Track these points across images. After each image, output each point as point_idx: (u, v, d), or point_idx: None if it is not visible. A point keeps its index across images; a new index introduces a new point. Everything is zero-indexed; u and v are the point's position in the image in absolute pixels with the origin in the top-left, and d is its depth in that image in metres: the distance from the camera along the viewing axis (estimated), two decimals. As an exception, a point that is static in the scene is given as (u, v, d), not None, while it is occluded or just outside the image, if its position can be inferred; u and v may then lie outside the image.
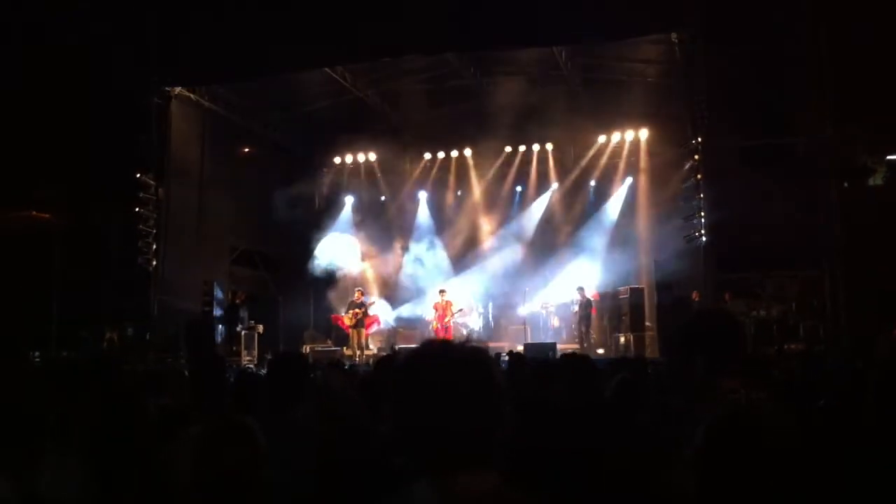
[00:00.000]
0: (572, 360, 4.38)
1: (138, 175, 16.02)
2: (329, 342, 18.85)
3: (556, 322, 18.90)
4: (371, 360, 15.13)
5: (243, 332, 16.41)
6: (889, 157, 14.82)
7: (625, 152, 19.09)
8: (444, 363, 1.67)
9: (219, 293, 16.91)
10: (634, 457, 2.87)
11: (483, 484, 1.60)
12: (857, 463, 2.48)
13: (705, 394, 2.60)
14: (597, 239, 18.90)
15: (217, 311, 16.72)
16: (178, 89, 16.72)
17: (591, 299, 17.49)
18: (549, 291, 18.97)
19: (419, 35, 14.52)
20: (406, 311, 20.20)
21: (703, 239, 14.66)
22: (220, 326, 16.62)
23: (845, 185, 14.25)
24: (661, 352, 14.42)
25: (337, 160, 21.09)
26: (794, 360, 8.30)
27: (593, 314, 17.62)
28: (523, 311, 18.74)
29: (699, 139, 14.70)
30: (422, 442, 1.62)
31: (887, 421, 2.64)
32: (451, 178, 20.84)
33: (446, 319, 17.60)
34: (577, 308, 17.43)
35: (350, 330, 17.60)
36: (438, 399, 1.61)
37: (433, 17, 14.07)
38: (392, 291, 20.45)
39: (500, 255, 19.60)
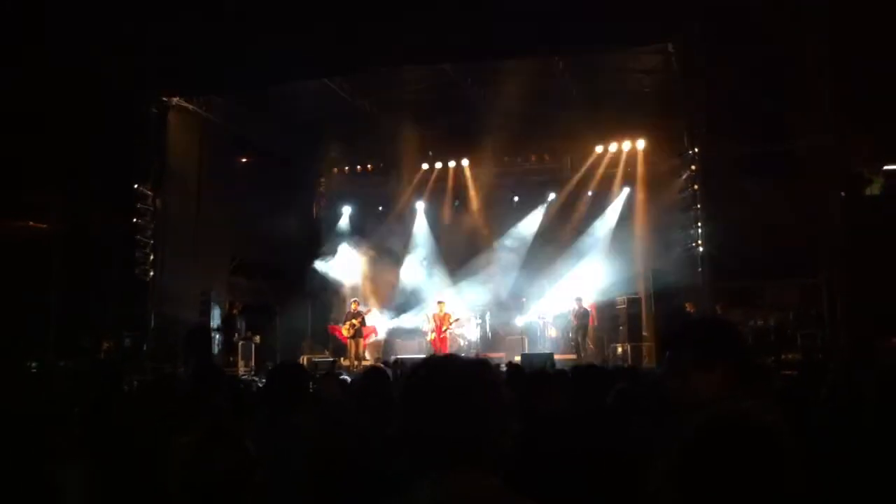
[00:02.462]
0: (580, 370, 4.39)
1: (136, 186, 16.02)
2: (326, 352, 18.82)
3: (553, 332, 18.86)
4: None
5: (240, 343, 16.38)
6: (886, 168, 14.85)
7: (622, 162, 19.15)
8: (451, 371, 1.76)
9: (216, 303, 16.88)
10: (631, 461, 2.86)
11: (483, 485, 1.65)
12: (856, 467, 2.47)
13: (702, 401, 2.58)
14: (594, 249, 18.92)
15: (214, 322, 16.69)
16: (175, 99, 16.75)
17: (588, 310, 17.46)
18: (547, 302, 18.96)
19: (416, 45, 14.56)
20: (403, 321, 20.18)
21: (701, 248, 14.67)
22: (218, 336, 16.59)
23: (842, 194, 14.26)
24: (660, 361, 14.38)
25: (334, 170, 21.10)
26: (793, 369, 8.29)
27: (590, 325, 17.59)
28: (521, 321, 18.72)
29: (696, 149, 14.73)
30: (429, 445, 1.68)
31: (887, 426, 2.63)
32: (449, 189, 20.87)
33: (444, 330, 17.58)
34: (574, 318, 17.40)
35: (347, 340, 17.59)
36: (445, 405, 1.69)
37: (430, 27, 14.10)
38: (389, 302, 20.43)
39: (498, 266, 19.60)
